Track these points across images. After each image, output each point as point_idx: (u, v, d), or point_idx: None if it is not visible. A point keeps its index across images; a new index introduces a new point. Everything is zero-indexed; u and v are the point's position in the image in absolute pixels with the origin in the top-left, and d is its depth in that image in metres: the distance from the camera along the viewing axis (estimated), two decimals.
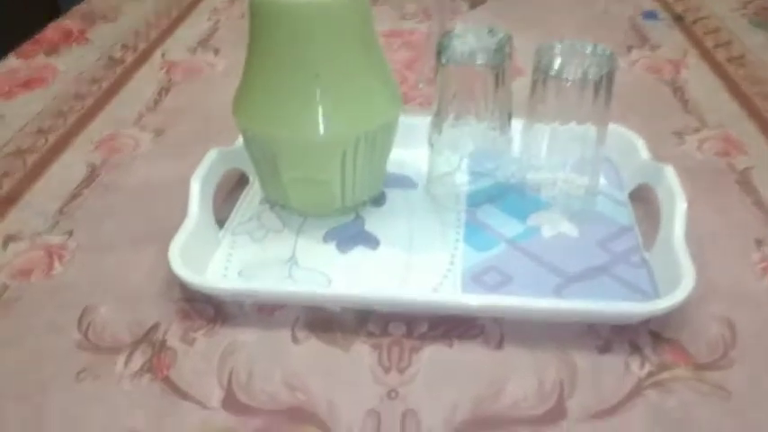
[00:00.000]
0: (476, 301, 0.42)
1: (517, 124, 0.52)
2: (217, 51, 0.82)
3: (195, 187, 0.49)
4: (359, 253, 0.49)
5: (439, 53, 0.48)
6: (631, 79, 0.73)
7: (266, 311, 0.44)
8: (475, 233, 0.50)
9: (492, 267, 0.47)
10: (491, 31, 0.49)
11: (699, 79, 0.72)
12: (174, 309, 0.45)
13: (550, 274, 0.46)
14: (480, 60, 0.47)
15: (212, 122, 0.66)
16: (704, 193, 0.54)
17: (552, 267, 0.47)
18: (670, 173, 0.49)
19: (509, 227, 0.50)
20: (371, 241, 0.49)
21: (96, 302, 0.46)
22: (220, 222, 0.51)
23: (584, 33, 0.84)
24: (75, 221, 0.53)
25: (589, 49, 0.49)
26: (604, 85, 0.47)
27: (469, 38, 0.49)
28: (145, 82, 0.76)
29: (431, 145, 0.52)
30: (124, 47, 0.84)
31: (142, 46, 0.85)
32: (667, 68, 0.75)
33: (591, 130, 0.49)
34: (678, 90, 0.71)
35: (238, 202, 0.54)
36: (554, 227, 0.50)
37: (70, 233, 0.52)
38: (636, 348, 0.41)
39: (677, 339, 0.42)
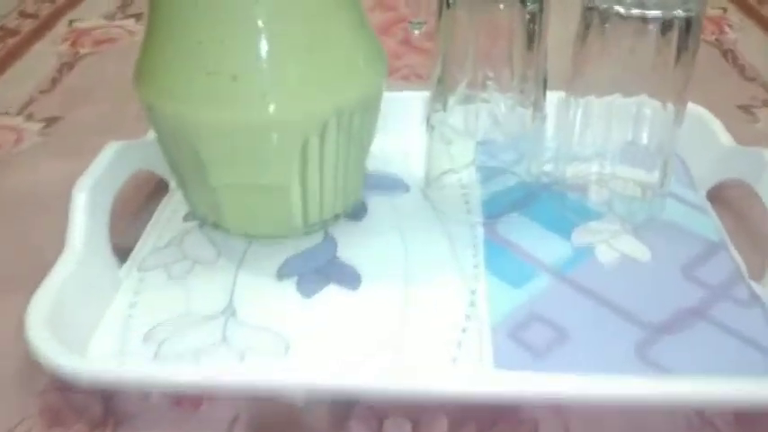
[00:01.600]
0: (522, 384, 0.26)
1: (552, 97, 0.36)
2: (139, 17, 0.64)
3: (80, 201, 0.33)
4: (331, 296, 0.32)
5: None
6: None
7: (187, 406, 0.28)
8: (500, 257, 0.34)
9: (534, 315, 0.31)
10: None
11: (747, 40, 0.58)
12: (39, 405, 0.28)
13: (624, 322, 0.31)
14: None
15: (125, 105, 0.49)
16: None
17: (625, 312, 0.31)
18: None
19: (548, 247, 0.35)
20: (348, 277, 0.33)
21: None
22: (123, 252, 0.35)
23: None
24: None
25: None
26: (692, 32, 0.32)
27: None
28: (42, 56, 0.58)
29: (430, 128, 0.36)
30: (22, 14, 0.66)
31: (44, 13, 0.66)
32: (710, 28, 0.60)
33: (662, 103, 0.34)
34: (728, 53, 0.56)
35: (152, 220, 0.37)
36: (613, 246, 0.35)
37: None
38: None
39: None
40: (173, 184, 0.39)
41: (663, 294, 0.32)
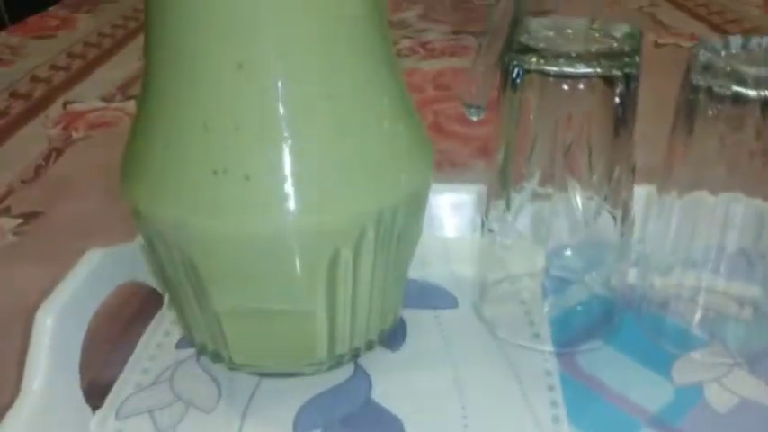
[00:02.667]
0: None
1: (638, 192, 0.29)
2: None
3: (44, 329, 0.25)
4: None
5: (509, 56, 0.25)
6: None
7: None
8: (587, 405, 0.26)
9: None
10: (600, 27, 0.27)
11: None
12: None
13: None
14: (593, 68, 0.25)
15: (115, 202, 0.42)
16: None
17: None
18: None
19: (646, 389, 0.27)
20: (389, 426, 0.25)
21: None
22: (99, 391, 0.27)
23: None
24: None
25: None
26: None
27: (566, 31, 0.26)
28: (30, 140, 0.52)
29: (487, 232, 0.29)
30: (13, 95, 0.61)
31: (38, 94, 0.61)
32: None
33: None
34: None
35: (137, 348, 0.29)
36: (726, 386, 0.27)
37: None
38: None
39: None
40: (166, 298, 0.32)
41: None
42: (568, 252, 0.29)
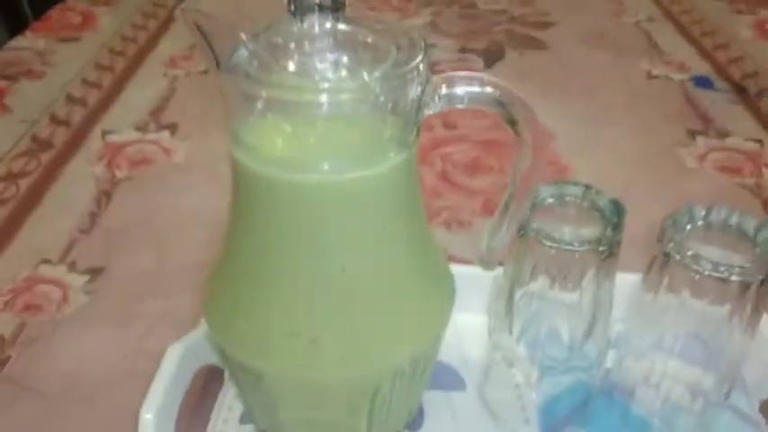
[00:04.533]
0: None
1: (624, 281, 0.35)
2: (174, 129, 0.64)
3: (148, 425, 0.32)
4: None
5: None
6: (706, 184, 0.58)
7: None
8: None
9: None
10: (593, 192, 0.33)
11: None
12: None
13: None
14: (583, 246, 0.31)
15: (166, 255, 0.49)
16: None
17: None
18: None
19: None
20: None
21: None
22: None
23: (631, 105, 0.69)
24: None
25: (735, 224, 0.33)
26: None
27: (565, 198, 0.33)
28: (79, 181, 0.58)
29: (492, 343, 0.36)
30: (53, 120, 0.66)
31: (77, 119, 0.66)
32: (747, 167, 0.60)
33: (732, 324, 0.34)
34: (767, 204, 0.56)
35: (210, 423, 0.37)
36: None
37: None
38: None
39: None
40: (226, 374, 0.39)
41: None
42: (555, 344, 0.37)
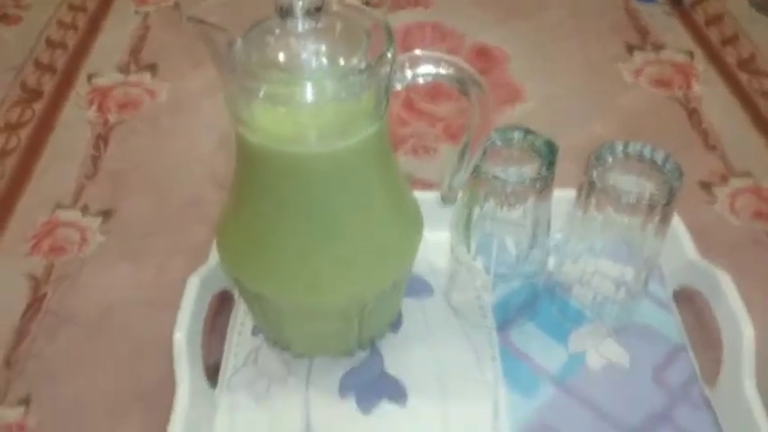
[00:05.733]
0: None
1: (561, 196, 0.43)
2: (154, 70, 0.69)
3: (180, 343, 0.40)
4: (384, 412, 0.41)
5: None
6: (639, 97, 0.65)
7: None
8: (515, 369, 0.43)
9: (544, 426, 0.40)
10: (532, 136, 0.40)
11: (713, 96, 0.65)
12: None
13: (610, 428, 0.40)
14: (522, 182, 0.39)
15: (166, 195, 0.56)
16: (752, 278, 0.48)
17: (610, 418, 0.41)
18: (727, 284, 0.43)
19: (550, 355, 0.44)
20: (397, 392, 0.42)
21: None
22: (212, 370, 0.43)
23: (577, 22, 0.74)
24: (29, 382, 0.44)
25: (648, 157, 0.41)
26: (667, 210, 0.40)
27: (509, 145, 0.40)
28: (74, 128, 0.63)
29: (455, 258, 0.44)
30: (38, 66, 0.70)
31: (61, 64, 0.70)
32: (677, 79, 0.67)
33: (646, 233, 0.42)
34: (694, 113, 0.63)
35: (227, 340, 0.45)
36: (601, 353, 0.44)
37: (27, 402, 0.42)
38: None
39: None
40: (236, 296, 0.47)
41: (638, 400, 0.42)
42: (505, 257, 0.45)
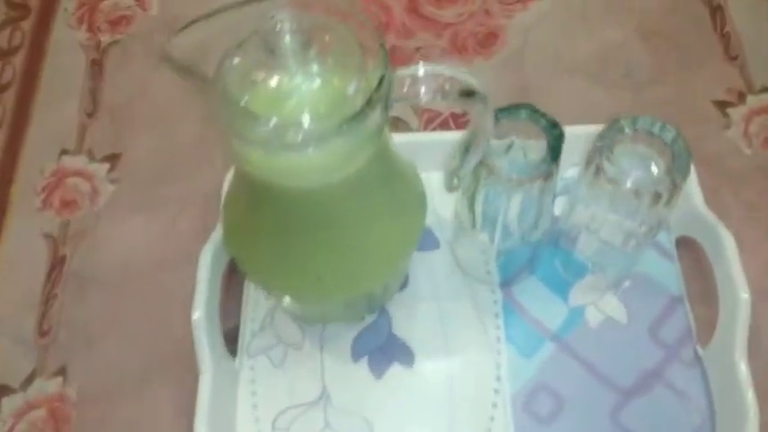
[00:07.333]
0: None
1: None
2: None
3: (200, 323, 0.42)
4: (395, 375, 0.44)
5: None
6: None
7: None
8: (516, 327, 0.45)
9: (542, 386, 0.44)
10: (533, 113, 0.39)
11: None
12: None
13: (604, 387, 0.43)
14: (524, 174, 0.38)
15: (170, 125, 0.55)
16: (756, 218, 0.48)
17: (605, 378, 0.44)
18: (731, 246, 0.43)
19: (551, 311, 0.46)
20: (405, 355, 0.45)
21: None
22: (231, 335, 0.46)
23: None
24: (64, 351, 0.47)
25: (657, 132, 0.39)
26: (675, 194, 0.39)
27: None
28: (67, 52, 0.60)
29: (459, 223, 0.45)
30: None
31: None
32: None
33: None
34: (717, 11, 0.59)
35: (243, 303, 0.47)
36: (599, 308, 0.46)
37: (64, 373, 0.46)
38: None
39: None
40: None
41: (633, 358, 0.44)
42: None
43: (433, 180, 0.45)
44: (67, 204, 0.52)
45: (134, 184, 0.53)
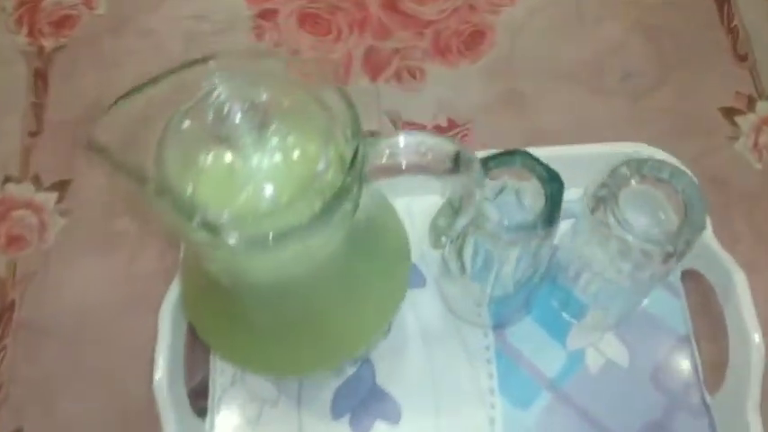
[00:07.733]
0: None
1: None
2: None
3: (162, 394, 0.38)
4: None
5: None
6: None
7: None
8: (511, 375, 0.42)
9: None
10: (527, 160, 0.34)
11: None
12: None
13: None
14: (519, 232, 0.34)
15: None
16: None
17: (606, 430, 0.40)
18: (741, 281, 0.40)
19: (548, 356, 0.42)
20: (390, 410, 0.41)
21: None
22: (199, 391, 0.42)
23: None
24: (18, 411, 0.43)
25: (666, 179, 0.35)
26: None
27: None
28: (7, 61, 0.54)
29: (446, 265, 0.41)
30: None
31: None
32: None
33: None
34: (725, 3, 0.54)
35: (211, 356, 0.43)
36: (600, 350, 0.42)
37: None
38: None
39: None
40: None
41: (636, 407, 0.41)
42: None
43: (414, 207, 0.42)
44: (14, 240, 0.47)
45: (86, 216, 0.48)
